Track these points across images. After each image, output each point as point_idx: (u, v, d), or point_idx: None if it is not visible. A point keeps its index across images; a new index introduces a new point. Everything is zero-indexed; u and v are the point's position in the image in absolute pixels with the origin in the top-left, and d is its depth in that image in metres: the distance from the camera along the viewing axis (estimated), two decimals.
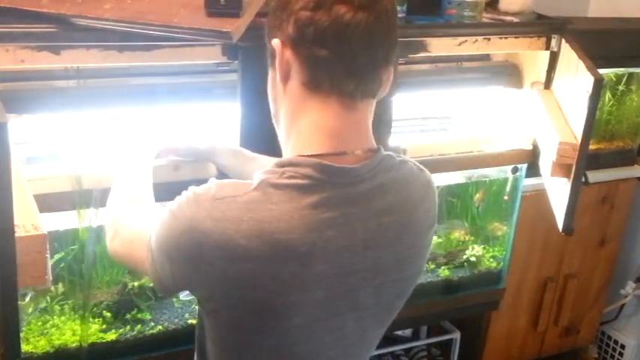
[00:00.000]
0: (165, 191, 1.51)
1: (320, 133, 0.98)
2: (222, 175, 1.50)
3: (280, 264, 0.93)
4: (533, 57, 1.98)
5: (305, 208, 0.93)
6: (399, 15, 1.63)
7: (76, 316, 1.69)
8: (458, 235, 2.16)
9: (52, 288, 1.64)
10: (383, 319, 1.11)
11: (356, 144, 0.99)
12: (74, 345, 1.63)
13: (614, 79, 2.33)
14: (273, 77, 1.02)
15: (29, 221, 1.10)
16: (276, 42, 0.97)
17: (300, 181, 0.94)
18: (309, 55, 0.95)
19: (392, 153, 1.04)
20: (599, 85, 1.70)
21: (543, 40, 1.89)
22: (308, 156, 0.96)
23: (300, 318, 0.98)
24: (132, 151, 1.39)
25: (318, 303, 0.99)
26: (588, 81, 1.71)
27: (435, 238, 1.67)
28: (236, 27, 1.32)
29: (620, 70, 2.31)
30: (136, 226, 1.13)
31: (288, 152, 1.02)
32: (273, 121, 1.07)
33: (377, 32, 0.95)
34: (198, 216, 0.94)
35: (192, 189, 0.99)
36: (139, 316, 1.74)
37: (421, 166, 1.10)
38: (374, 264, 1.01)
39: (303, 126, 0.99)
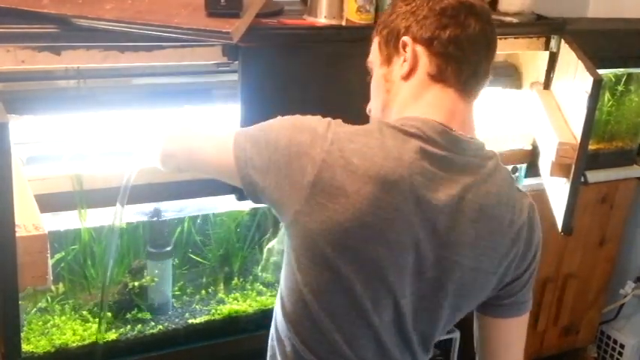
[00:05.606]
0: (166, 191, 1.53)
1: (436, 108, 1.10)
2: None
3: (370, 184, 1.02)
4: (532, 57, 1.98)
5: (407, 150, 1.04)
6: None
7: (77, 315, 1.69)
8: None
9: (53, 288, 1.65)
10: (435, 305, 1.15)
11: (462, 128, 1.10)
12: (75, 345, 1.64)
13: (613, 79, 2.33)
14: (389, 71, 1.15)
15: (30, 221, 1.10)
16: (407, 39, 1.11)
17: (408, 129, 1.06)
18: (443, 53, 1.09)
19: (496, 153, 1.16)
20: (598, 85, 1.70)
21: (542, 40, 1.89)
22: (417, 117, 1.09)
23: (375, 246, 1.05)
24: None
25: (389, 245, 1.05)
26: (587, 81, 1.71)
27: None
28: (236, 27, 1.32)
29: (620, 71, 2.31)
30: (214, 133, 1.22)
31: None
32: (376, 110, 1.19)
33: (492, 45, 1.14)
34: (323, 122, 1.07)
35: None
36: (139, 316, 1.74)
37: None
38: (445, 233, 1.07)
39: (421, 105, 1.11)
